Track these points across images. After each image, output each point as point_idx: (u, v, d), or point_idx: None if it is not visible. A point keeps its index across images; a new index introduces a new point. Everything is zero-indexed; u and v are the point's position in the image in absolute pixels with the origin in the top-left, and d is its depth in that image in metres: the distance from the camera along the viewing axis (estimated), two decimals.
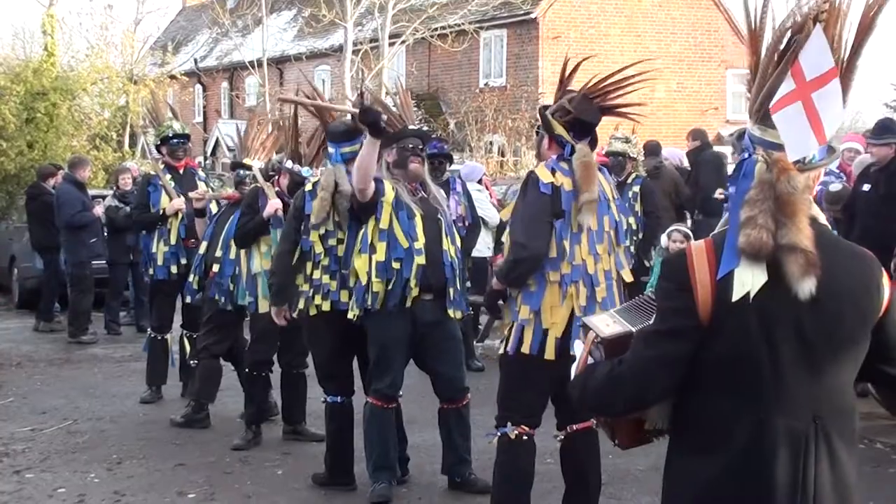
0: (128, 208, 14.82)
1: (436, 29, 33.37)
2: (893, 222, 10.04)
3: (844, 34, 3.35)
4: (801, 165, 3.32)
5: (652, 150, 14.50)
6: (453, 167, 13.03)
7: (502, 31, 36.89)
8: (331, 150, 8.02)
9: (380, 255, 7.37)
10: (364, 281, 7.40)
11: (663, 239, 11.16)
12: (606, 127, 12.99)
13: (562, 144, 6.40)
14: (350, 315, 7.51)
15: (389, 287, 7.35)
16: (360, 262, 7.43)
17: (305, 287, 7.92)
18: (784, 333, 3.26)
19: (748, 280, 3.24)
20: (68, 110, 25.28)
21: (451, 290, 7.48)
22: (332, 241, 7.81)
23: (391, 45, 33.02)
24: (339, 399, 7.99)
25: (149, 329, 11.58)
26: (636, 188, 12.12)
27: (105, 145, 26.85)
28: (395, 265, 7.35)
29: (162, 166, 11.31)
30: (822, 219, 3.40)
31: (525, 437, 6.44)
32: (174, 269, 10.94)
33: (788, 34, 3.33)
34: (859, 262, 3.39)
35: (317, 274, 7.87)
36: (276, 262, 8.11)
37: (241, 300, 9.30)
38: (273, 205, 8.86)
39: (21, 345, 15.46)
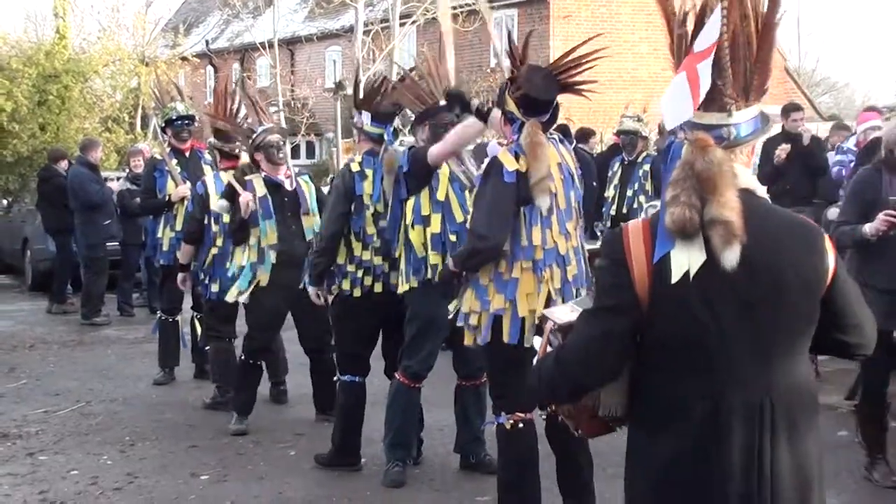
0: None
1: None
2: None
3: (756, 8, 3.41)
4: (728, 143, 3.38)
5: (665, 130, 14.46)
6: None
7: (513, 10, 36.80)
8: (377, 129, 7.87)
9: (434, 227, 7.30)
10: (420, 253, 7.33)
11: (641, 216, 11.12)
12: (616, 106, 12.99)
13: (512, 121, 6.25)
14: (404, 288, 7.41)
15: (447, 261, 7.22)
16: (414, 235, 7.34)
17: (351, 268, 7.82)
18: (727, 308, 3.29)
19: (684, 260, 3.28)
20: (80, 93, 25.31)
21: None
22: (383, 223, 7.71)
23: (402, 25, 32.96)
24: (356, 379, 7.97)
25: (159, 311, 11.59)
26: (646, 167, 12.20)
27: (117, 127, 26.90)
28: (452, 238, 7.27)
29: (168, 149, 11.31)
30: (762, 191, 3.45)
31: (521, 424, 6.37)
32: (179, 255, 10.93)
33: (692, 16, 3.42)
34: (799, 231, 3.41)
35: (367, 255, 7.81)
36: (327, 243, 7.87)
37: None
38: (246, 200, 8.83)
39: (34, 327, 15.53)
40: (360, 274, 7.82)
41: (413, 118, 7.58)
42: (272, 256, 8.89)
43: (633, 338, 3.37)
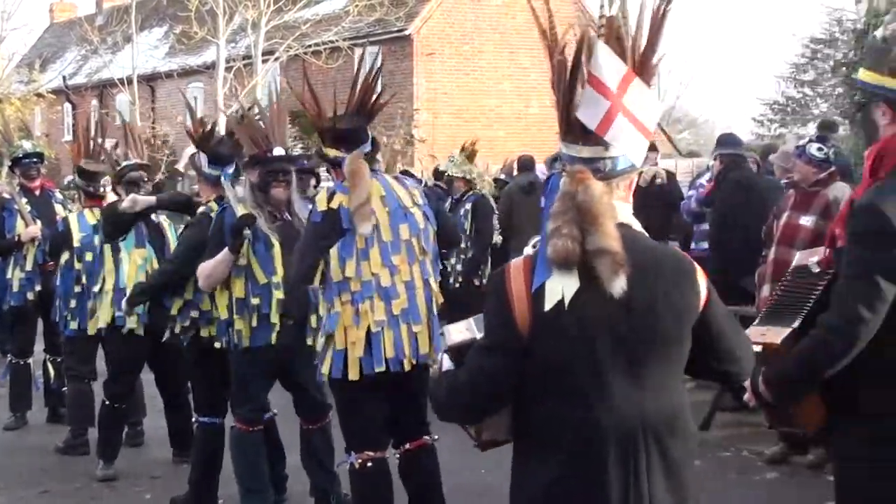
0: None
1: (310, 46, 33.26)
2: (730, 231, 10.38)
3: (633, 40, 3.53)
4: (604, 175, 3.48)
5: (525, 165, 14.53)
6: (325, 185, 12.97)
7: (377, 47, 36.89)
8: (215, 171, 7.77)
9: (238, 292, 7.21)
10: (225, 316, 7.27)
11: (528, 250, 11.18)
12: (481, 144, 13.09)
13: (341, 164, 6.33)
14: (217, 345, 7.40)
15: (254, 324, 7.19)
16: (220, 297, 7.29)
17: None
18: (602, 336, 3.40)
19: (558, 289, 3.38)
20: None
21: (313, 318, 7.13)
22: None
23: (264, 62, 32.83)
24: (215, 420, 7.85)
25: (9, 355, 11.26)
26: (468, 205, 12.31)
27: None
28: (255, 301, 7.18)
29: (18, 188, 11.08)
30: (637, 225, 3.58)
31: (370, 464, 6.34)
32: (30, 296, 10.72)
33: (573, 52, 3.53)
34: (671, 262, 3.54)
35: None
36: (162, 284, 7.86)
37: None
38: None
39: None
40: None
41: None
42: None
43: (518, 372, 3.46)
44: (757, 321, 4.34)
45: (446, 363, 3.74)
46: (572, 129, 3.52)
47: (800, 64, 44.26)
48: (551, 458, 3.44)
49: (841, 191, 8.42)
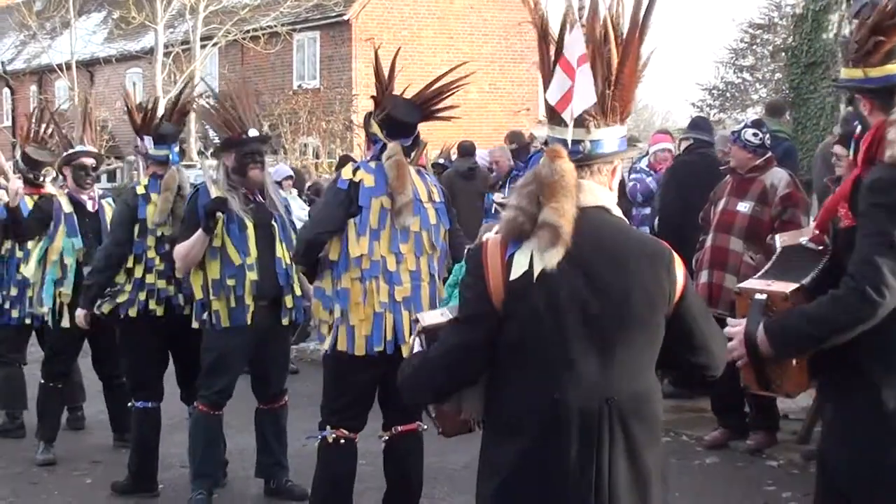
0: None
1: (248, 31, 33.12)
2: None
3: (617, 31, 3.53)
4: (583, 156, 3.50)
5: (466, 150, 14.56)
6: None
7: (315, 32, 36.78)
8: (162, 151, 7.81)
9: (213, 273, 7.20)
10: (199, 296, 7.26)
11: (489, 234, 11.22)
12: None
13: (375, 142, 6.41)
14: (194, 325, 7.35)
15: (232, 304, 7.19)
16: (195, 278, 7.27)
17: (128, 288, 7.67)
18: (572, 313, 3.42)
19: (524, 261, 3.41)
20: None
21: (287, 299, 7.31)
22: (168, 245, 7.58)
23: (203, 47, 32.68)
24: (149, 404, 7.81)
25: None
26: None
27: None
28: (230, 282, 7.17)
29: None
30: (617, 211, 3.57)
31: (343, 441, 6.37)
32: None
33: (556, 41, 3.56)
34: (647, 249, 3.53)
35: (150, 278, 7.68)
36: (105, 265, 7.73)
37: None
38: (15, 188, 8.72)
39: None
40: (141, 296, 7.70)
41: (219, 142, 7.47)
42: (72, 275, 8.74)
43: (490, 346, 3.50)
44: (759, 275, 4.31)
45: (417, 346, 3.78)
46: (557, 113, 3.55)
47: (739, 49, 44.41)
48: (518, 434, 3.47)
49: (777, 177, 8.42)
